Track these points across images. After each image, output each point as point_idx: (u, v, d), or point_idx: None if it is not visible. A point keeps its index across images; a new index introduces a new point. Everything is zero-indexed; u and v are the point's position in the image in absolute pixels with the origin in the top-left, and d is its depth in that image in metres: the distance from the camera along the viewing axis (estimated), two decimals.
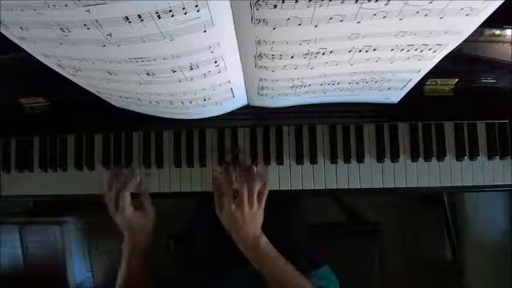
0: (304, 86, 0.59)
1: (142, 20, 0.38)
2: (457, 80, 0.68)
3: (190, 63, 0.48)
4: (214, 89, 0.57)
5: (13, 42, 0.45)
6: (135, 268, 0.71)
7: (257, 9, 0.39)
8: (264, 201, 0.68)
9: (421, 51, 0.48)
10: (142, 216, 0.73)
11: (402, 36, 0.45)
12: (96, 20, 0.38)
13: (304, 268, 0.74)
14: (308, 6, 0.38)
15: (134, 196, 0.73)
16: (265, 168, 0.74)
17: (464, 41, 0.45)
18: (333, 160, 0.73)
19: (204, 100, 0.60)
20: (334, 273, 0.79)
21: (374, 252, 1.00)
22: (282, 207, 0.84)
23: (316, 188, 0.73)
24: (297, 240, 0.86)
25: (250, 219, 0.66)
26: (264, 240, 0.67)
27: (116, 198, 0.71)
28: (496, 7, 0.39)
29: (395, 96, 0.66)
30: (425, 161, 0.72)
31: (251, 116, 0.74)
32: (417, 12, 0.39)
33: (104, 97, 0.64)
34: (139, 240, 0.72)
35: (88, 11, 0.36)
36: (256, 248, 0.66)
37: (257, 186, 0.67)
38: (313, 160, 0.73)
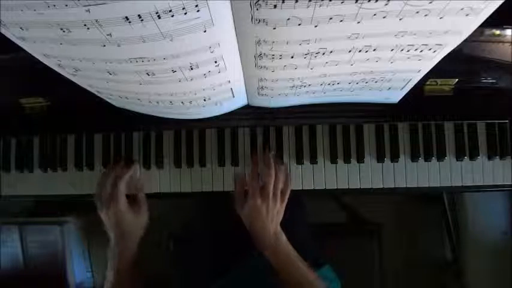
0: (304, 86, 0.59)
1: (142, 20, 0.38)
2: (457, 80, 0.68)
3: (190, 63, 0.48)
4: (214, 89, 0.57)
5: (13, 42, 0.45)
6: (124, 274, 0.66)
7: (257, 9, 0.39)
8: (286, 199, 0.68)
9: (421, 51, 0.48)
10: (135, 213, 0.69)
11: (402, 36, 0.45)
12: (96, 20, 0.38)
13: None
14: (308, 6, 0.38)
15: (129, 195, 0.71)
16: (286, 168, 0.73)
17: (464, 41, 0.45)
18: (333, 160, 0.73)
19: (204, 100, 0.60)
20: (335, 273, 0.79)
21: (374, 252, 1.00)
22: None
23: (316, 188, 0.73)
24: (297, 240, 0.86)
25: (274, 214, 0.65)
26: (284, 238, 0.66)
27: (111, 188, 0.67)
28: (496, 7, 0.39)
29: (395, 96, 0.66)
30: (425, 161, 0.72)
31: (251, 116, 0.74)
32: (417, 12, 0.39)
33: (104, 97, 0.64)
34: (128, 241, 0.68)
35: (88, 11, 0.36)
36: (277, 246, 0.65)
37: (281, 182, 0.67)
38: (313, 160, 0.73)
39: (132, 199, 0.71)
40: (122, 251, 0.67)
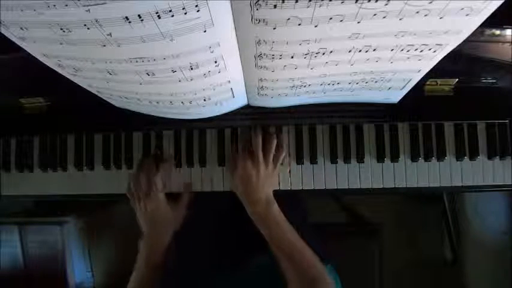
0: (304, 86, 0.59)
1: (142, 20, 0.38)
2: (457, 80, 0.68)
3: (190, 63, 0.48)
4: (214, 89, 0.57)
5: (13, 42, 0.45)
6: (152, 268, 0.66)
7: (257, 9, 0.39)
8: (279, 163, 0.69)
9: (421, 51, 0.48)
10: (170, 211, 0.70)
11: (402, 36, 0.45)
12: (96, 20, 0.38)
13: None
14: (308, 6, 0.38)
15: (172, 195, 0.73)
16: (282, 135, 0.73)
17: (464, 41, 0.45)
18: (333, 160, 0.73)
19: (204, 100, 0.60)
20: (337, 274, 0.79)
21: (374, 252, 1.00)
22: (282, 207, 0.84)
23: (316, 188, 0.73)
24: None
25: (265, 178, 0.65)
26: (276, 206, 0.66)
27: (148, 180, 0.68)
28: (496, 7, 0.39)
29: (395, 96, 0.66)
30: (425, 161, 0.72)
31: (251, 116, 0.74)
32: (417, 12, 0.39)
33: (104, 97, 0.64)
34: (160, 235, 0.69)
35: (88, 11, 0.36)
36: (268, 213, 0.64)
37: (273, 146, 0.67)
38: (313, 160, 0.73)
39: (170, 195, 0.72)
40: (154, 244, 0.68)
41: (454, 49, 0.48)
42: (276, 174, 0.69)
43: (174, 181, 0.75)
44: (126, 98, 0.62)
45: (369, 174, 0.73)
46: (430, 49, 0.48)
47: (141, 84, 0.53)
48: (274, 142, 0.68)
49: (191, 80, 0.52)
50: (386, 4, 0.38)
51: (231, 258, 0.77)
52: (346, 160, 0.73)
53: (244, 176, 0.65)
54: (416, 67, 0.54)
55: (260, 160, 0.66)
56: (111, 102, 0.68)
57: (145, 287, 0.65)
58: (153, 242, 0.68)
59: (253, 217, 0.65)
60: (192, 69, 0.49)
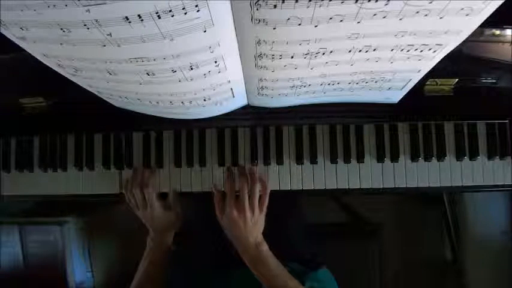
0: (304, 86, 0.59)
1: (142, 20, 0.38)
2: (457, 80, 0.68)
3: (190, 63, 0.48)
4: (214, 89, 0.57)
5: (13, 42, 0.45)
6: (158, 265, 0.72)
7: (257, 9, 0.39)
8: (265, 206, 0.68)
9: (421, 51, 0.48)
10: (170, 216, 0.74)
11: (402, 36, 0.45)
12: (96, 20, 0.38)
13: (302, 270, 0.74)
14: (308, 6, 0.38)
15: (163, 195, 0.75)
16: (264, 174, 0.73)
17: (464, 41, 0.45)
18: (333, 160, 0.73)
19: (204, 100, 0.60)
20: (333, 274, 0.79)
21: (374, 252, 1.00)
22: (282, 208, 0.84)
23: (316, 188, 0.73)
24: (296, 240, 0.85)
25: (251, 224, 0.66)
26: (265, 247, 0.67)
27: (141, 196, 0.72)
28: (496, 7, 0.39)
29: (395, 96, 0.66)
30: (425, 161, 0.72)
31: (251, 116, 0.74)
32: (417, 12, 0.39)
33: (104, 97, 0.64)
34: (163, 236, 0.74)
35: (88, 11, 0.36)
36: (257, 256, 0.65)
37: (258, 190, 0.67)
38: (313, 160, 0.73)
39: (166, 201, 0.75)
40: (158, 244, 0.73)
41: (454, 49, 0.48)
42: (263, 218, 0.68)
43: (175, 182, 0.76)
44: (126, 98, 0.62)
45: (369, 174, 0.73)
46: (430, 49, 0.48)
47: (141, 84, 0.53)
48: (258, 187, 0.68)
49: (191, 80, 0.52)
50: (386, 4, 0.38)
51: (231, 256, 0.77)
52: (346, 160, 0.73)
53: (232, 222, 0.66)
54: (416, 67, 0.54)
55: (246, 208, 0.66)
56: (111, 102, 0.68)
57: (149, 281, 0.71)
58: (156, 243, 0.73)
59: (245, 259, 0.67)
60: (192, 69, 0.49)
